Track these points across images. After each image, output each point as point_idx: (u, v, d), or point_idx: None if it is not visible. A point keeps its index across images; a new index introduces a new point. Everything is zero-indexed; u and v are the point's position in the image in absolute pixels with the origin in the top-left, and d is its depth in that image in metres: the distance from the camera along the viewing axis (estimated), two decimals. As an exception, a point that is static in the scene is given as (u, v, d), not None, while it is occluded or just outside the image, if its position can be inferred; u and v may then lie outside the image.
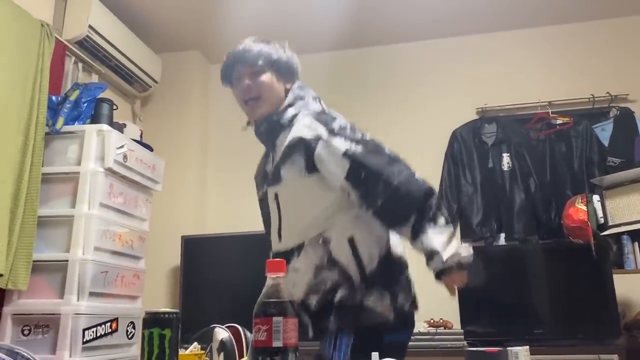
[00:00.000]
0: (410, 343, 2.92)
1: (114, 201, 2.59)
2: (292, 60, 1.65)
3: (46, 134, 2.56)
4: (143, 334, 0.95)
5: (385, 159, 1.44)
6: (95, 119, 2.69)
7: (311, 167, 1.48)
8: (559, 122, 3.44)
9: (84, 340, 2.29)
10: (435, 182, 3.52)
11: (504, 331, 2.90)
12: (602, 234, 2.92)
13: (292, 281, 1.46)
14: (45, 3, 2.90)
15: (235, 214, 3.57)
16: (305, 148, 1.47)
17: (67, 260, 2.36)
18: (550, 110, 3.47)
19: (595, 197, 2.99)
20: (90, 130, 2.55)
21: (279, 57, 1.61)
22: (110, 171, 2.54)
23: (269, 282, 0.93)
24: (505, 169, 3.45)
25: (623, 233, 3.01)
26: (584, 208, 2.95)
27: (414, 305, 1.55)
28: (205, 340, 1.46)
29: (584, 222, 2.91)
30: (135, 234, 2.74)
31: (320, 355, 1.43)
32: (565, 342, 2.77)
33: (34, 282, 2.35)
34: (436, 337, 2.88)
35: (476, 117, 3.61)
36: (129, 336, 2.59)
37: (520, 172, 3.41)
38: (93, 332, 2.35)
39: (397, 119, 3.70)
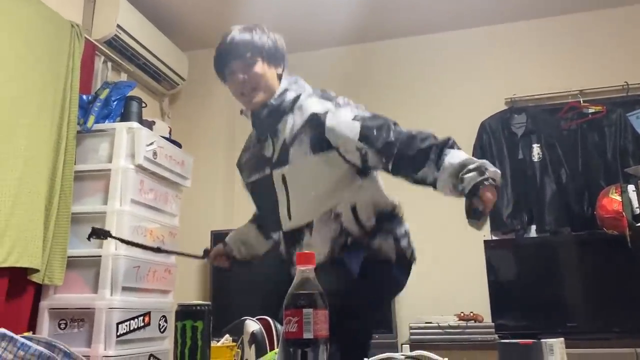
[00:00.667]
0: (440, 337, 2.92)
1: (145, 197, 2.63)
2: (279, 44, 1.69)
3: (78, 132, 2.61)
4: (176, 326, 0.96)
5: (388, 119, 1.54)
6: (125, 117, 2.73)
7: (320, 144, 1.54)
8: (591, 111, 3.36)
9: (118, 333, 2.33)
10: (463, 174, 3.47)
11: (536, 324, 2.86)
12: (637, 224, 2.85)
13: None
14: (74, 4, 2.96)
15: (263, 208, 3.58)
16: (317, 123, 1.54)
17: (100, 256, 2.41)
18: (581, 99, 3.39)
19: (631, 187, 2.91)
20: (121, 128, 2.59)
21: (266, 43, 1.64)
22: (140, 168, 2.58)
23: (298, 274, 0.93)
24: (536, 159, 3.38)
25: (660, 223, 2.93)
26: (619, 198, 2.87)
27: (412, 256, 1.65)
28: (237, 332, 1.48)
29: (619, 213, 2.83)
30: (166, 230, 2.78)
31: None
32: (600, 336, 2.72)
33: (69, 278, 2.41)
34: (467, 330, 2.85)
35: (505, 107, 3.55)
36: (161, 330, 2.64)
37: (551, 162, 3.34)
38: (126, 325, 2.39)
39: (424, 111, 3.66)
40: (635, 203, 2.87)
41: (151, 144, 2.63)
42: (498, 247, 3.23)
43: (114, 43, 3.08)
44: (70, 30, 2.69)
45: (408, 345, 2.81)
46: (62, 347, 0.98)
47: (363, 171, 1.58)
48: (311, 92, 1.66)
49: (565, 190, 3.29)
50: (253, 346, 1.42)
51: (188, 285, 3.47)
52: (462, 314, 2.93)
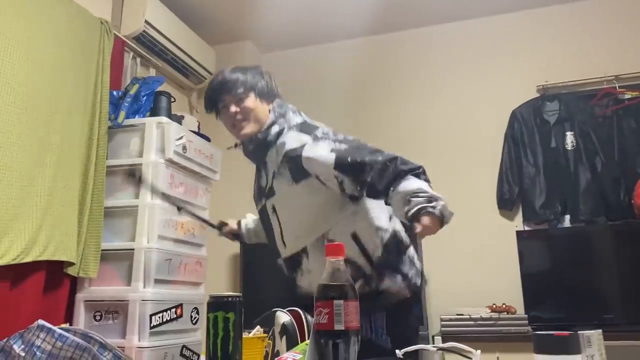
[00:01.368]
0: (472, 328, 2.89)
1: (175, 191, 2.66)
2: (270, 82, 1.76)
3: (109, 128, 2.65)
4: (208, 317, 0.97)
5: (367, 147, 1.56)
6: (154, 112, 2.77)
7: (300, 174, 1.59)
8: (627, 96, 3.26)
9: (151, 325, 2.37)
10: (494, 163, 3.42)
11: (571, 316, 2.81)
12: (677, 213, 2.76)
13: (307, 281, 1.62)
14: (103, 1, 3.00)
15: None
16: (293, 156, 1.59)
17: (132, 249, 2.45)
18: (617, 85, 3.30)
19: (669, 175, 2.82)
20: (151, 123, 2.62)
21: (257, 81, 1.72)
22: (170, 162, 2.61)
23: (329, 265, 0.93)
24: (569, 148, 3.30)
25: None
26: (657, 187, 2.79)
27: (422, 279, 1.66)
28: (267, 323, 1.48)
29: (657, 202, 2.75)
30: (197, 223, 2.81)
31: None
32: (638, 328, 2.65)
33: (103, 270, 2.46)
34: (499, 322, 2.81)
35: (537, 95, 3.47)
36: (193, 321, 2.67)
37: (586, 151, 3.26)
38: (159, 317, 2.43)
39: (453, 101, 3.61)
40: (674, 191, 2.78)
41: (180, 138, 2.66)
42: (531, 237, 3.17)
43: (142, 39, 3.12)
44: (99, 27, 2.73)
45: (440, 337, 2.79)
46: (97, 338, 1.00)
47: (353, 197, 1.59)
48: (293, 124, 1.69)
49: (600, 178, 3.20)
50: (284, 337, 1.43)
51: (219, 278, 3.51)
52: (494, 306, 2.89)
